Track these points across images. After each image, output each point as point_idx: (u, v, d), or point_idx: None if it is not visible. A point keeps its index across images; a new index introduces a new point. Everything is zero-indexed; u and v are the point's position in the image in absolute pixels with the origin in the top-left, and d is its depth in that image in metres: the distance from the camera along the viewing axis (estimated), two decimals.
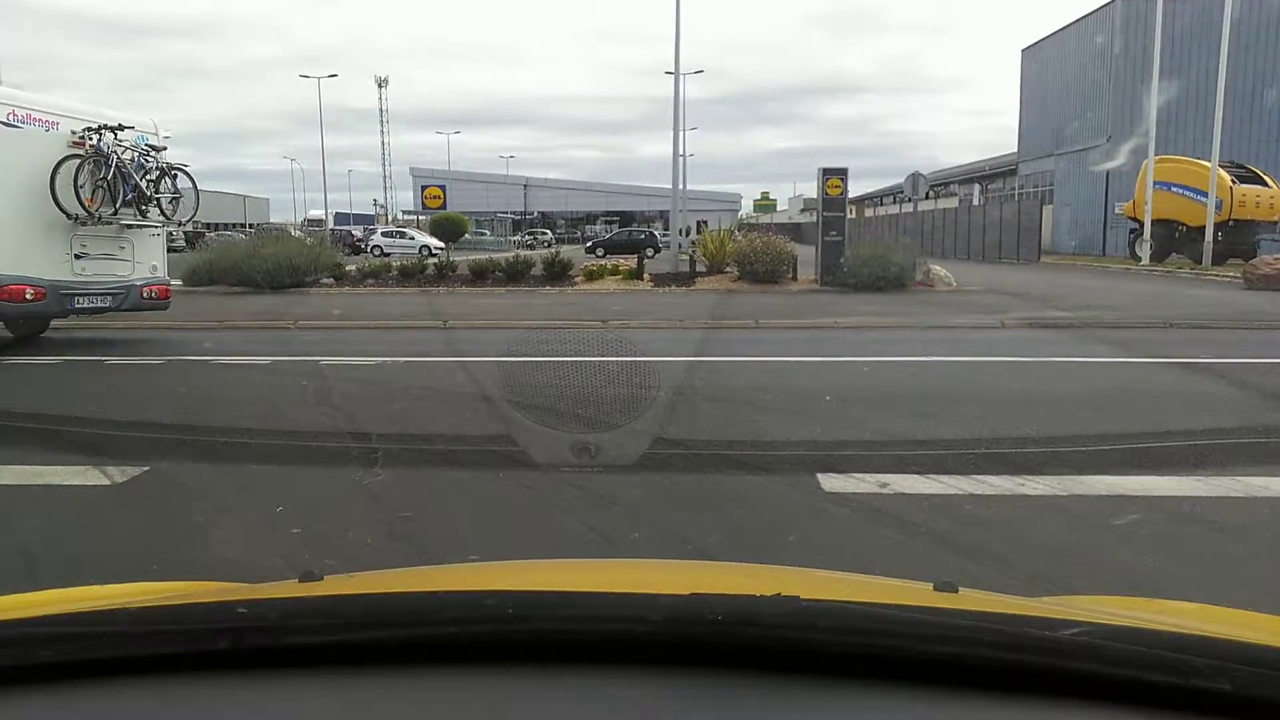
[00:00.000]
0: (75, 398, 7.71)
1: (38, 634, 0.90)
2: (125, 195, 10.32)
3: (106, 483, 4.89)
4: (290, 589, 1.06)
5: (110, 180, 10.11)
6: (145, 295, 10.92)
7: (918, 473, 4.98)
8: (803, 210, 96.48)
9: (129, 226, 10.66)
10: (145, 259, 10.97)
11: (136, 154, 10.54)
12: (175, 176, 11.15)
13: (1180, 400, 7.31)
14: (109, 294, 10.52)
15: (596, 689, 0.82)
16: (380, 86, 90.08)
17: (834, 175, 18.57)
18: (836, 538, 4.08)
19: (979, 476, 4.92)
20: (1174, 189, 27.56)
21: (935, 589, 1.09)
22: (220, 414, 6.83)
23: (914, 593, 1.20)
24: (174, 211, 11.28)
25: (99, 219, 10.13)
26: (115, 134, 10.27)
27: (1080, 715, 0.79)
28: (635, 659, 0.84)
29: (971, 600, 1.09)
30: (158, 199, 10.89)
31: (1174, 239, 28.32)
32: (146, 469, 5.07)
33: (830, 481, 4.81)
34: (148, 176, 10.67)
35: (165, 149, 11.10)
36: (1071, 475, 4.96)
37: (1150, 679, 0.79)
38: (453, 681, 0.84)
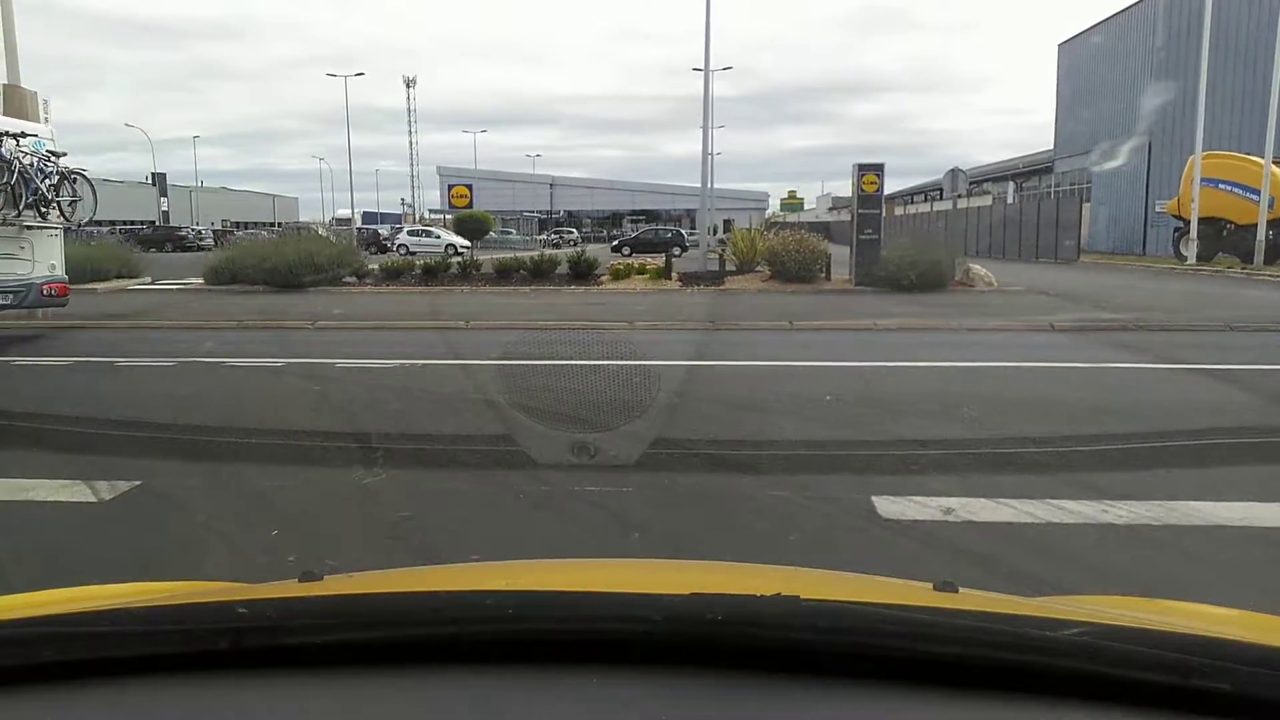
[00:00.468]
0: (79, 402, 7.38)
1: (39, 634, 0.90)
2: (27, 198, 10.62)
3: (93, 500, 4.61)
4: (290, 589, 1.05)
5: (13, 184, 10.42)
6: (45, 293, 11.28)
7: (985, 495, 4.47)
8: (831, 209, 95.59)
9: (29, 227, 10.96)
10: (44, 258, 11.31)
11: (37, 159, 10.83)
12: (74, 180, 11.56)
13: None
14: (10, 291, 10.84)
15: (597, 689, 0.82)
16: (408, 86, 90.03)
17: (870, 171, 17.91)
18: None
19: (1055, 501, 4.39)
20: (1221, 185, 26.53)
21: (935, 589, 1.08)
22: (224, 421, 6.47)
23: (914, 593, 1.19)
24: (73, 213, 11.65)
25: (3, 220, 10.47)
26: (17, 141, 10.59)
27: (1080, 715, 0.78)
28: (635, 659, 0.83)
29: (972, 600, 1.08)
30: (57, 202, 11.25)
31: (1221, 238, 27.28)
32: (138, 484, 4.77)
33: (888, 506, 4.31)
34: (48, 181, 11.00)
35: (65, 154, 11.47)
36: (1161, 501, 4.41)
37: (1150, 679, 0.79)
38: (453, 681, 0.83)
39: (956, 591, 1.08)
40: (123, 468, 5.07)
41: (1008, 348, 10.26)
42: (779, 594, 0.86)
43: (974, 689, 0.80)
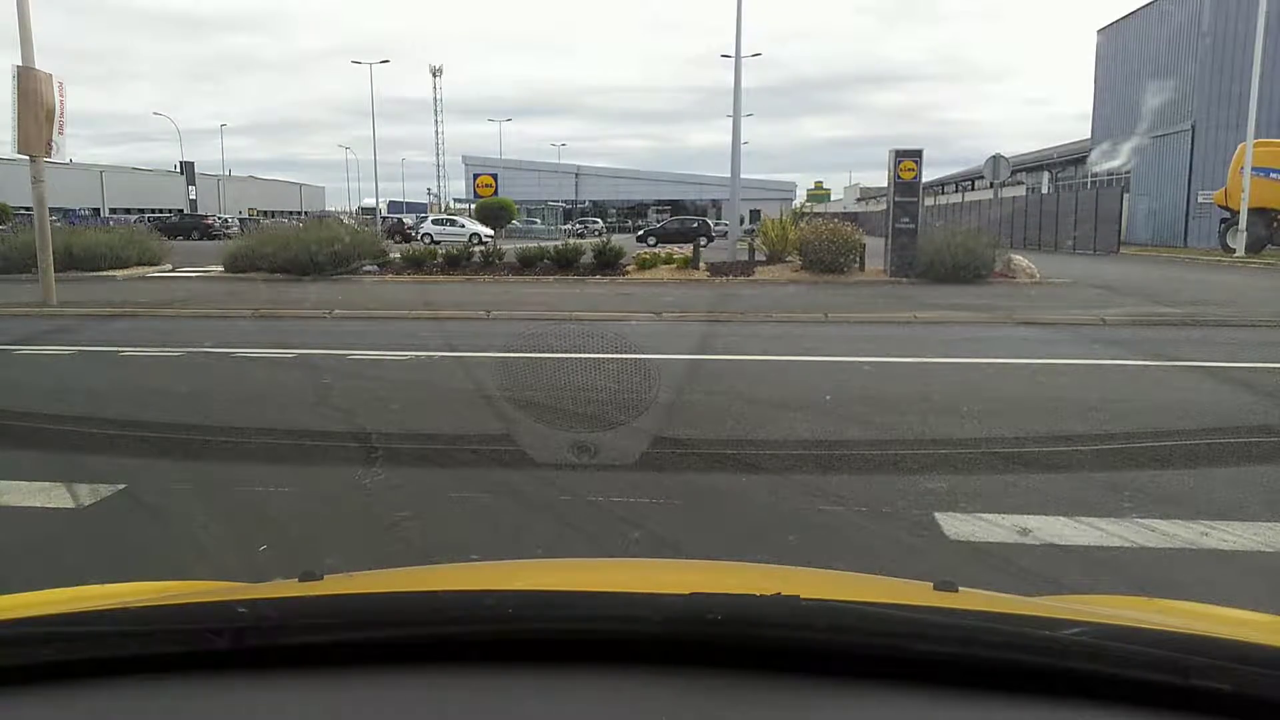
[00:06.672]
0: (73, 395, 7.01)
1: (38, 634, 0.89)
2: None
3: (70, 505, 4.23)
4: (290, 589, 1.04)
5: None
6: None
7: (1064, 513, 3.96)
8: (859, 200, 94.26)
9: None
10: None
11: None
12: None
13: None
14: None
15: (596, 689, 0.81)
16: (434, 76, 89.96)
17: (908, 157, 17.21)
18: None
19: (1143, 520, 3.85)
20: (1274, 175, 25.49)
21: (935, 588, 1.07)
22: (225, 417, 6.05)
23: (914, 592, 1.18)
24: None
25: None
26: None
27: (1080, 715, 0.77)
28: (635, 659, 0.82)
29: (972, 600, 1.07)
30: None
31: (1271, 229, 26.26)
32: (122, 487, 4.37)
33: (955, 524, 3.79)
34: None
35: None
36: (1270, 523, 3.86)
37: (1150, 679, 0.78)
38: (453, 681, 0.83)
39: (956, 591, 1.06)
40: (109, 468, 4.71)
41: (1060, 343, 9.62)
42: (779, 594, 0.85)
43: (974, 689, 0.79)
